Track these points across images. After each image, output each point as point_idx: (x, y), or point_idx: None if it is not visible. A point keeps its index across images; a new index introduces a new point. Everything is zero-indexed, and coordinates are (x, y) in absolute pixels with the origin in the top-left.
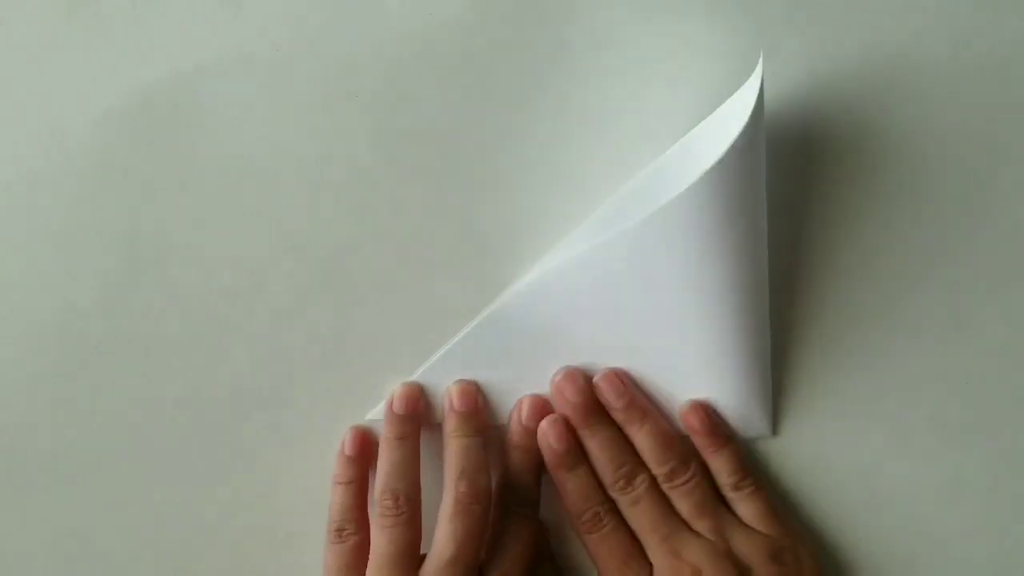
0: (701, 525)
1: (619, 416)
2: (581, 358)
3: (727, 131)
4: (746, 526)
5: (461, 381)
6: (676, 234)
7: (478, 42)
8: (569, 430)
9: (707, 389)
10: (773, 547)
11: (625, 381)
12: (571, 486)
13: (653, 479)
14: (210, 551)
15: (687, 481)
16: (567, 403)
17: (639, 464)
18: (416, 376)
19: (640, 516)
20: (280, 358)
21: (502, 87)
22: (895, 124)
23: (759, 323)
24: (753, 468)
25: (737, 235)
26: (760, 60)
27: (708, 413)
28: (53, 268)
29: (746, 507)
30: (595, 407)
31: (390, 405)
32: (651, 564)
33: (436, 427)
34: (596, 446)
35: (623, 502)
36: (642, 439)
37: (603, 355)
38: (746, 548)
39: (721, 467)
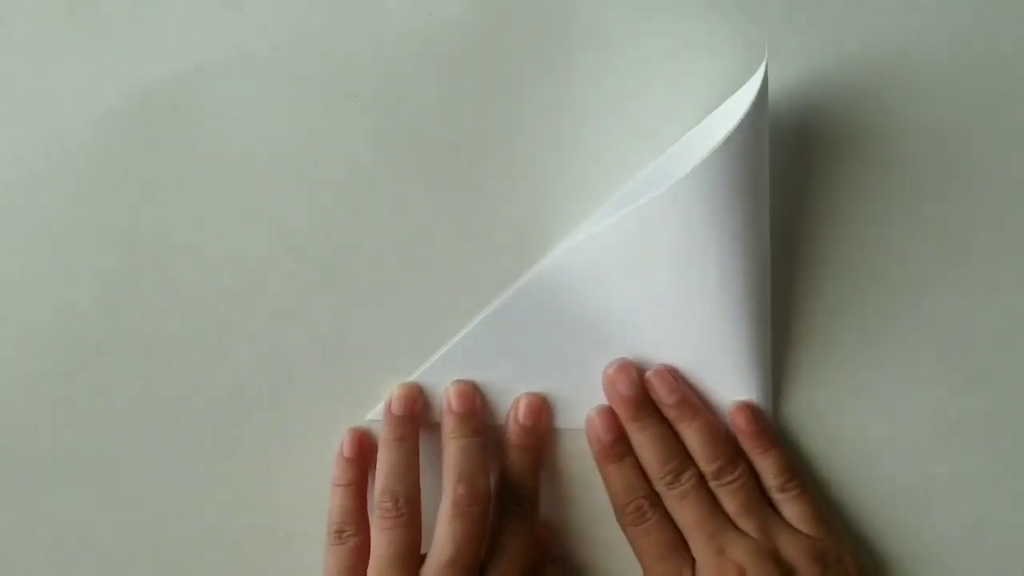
0: (747, 524)
1: (670, 412)
2: (581, 357)
3: (731, 127)
4: (791, 527)
5: (459, 382)
6: (676, 220)
7: (478, 42)
8: (616, 421)
9: (707, 385)
10: (817, 549)
11: (676, 377)
12: (616, 477)
13: (700, 476)
14: (210, 551)
15: (735, 480)
16: (618, 396)
17: (687, 460)
18: (415, 376)
19: (686, 511)
20: (280, 358)
21: (502, 87)
22: (895, 124)
23: (761, 315)
24: (799, 471)
25: (739, 222)
26: (765, 56)
27: (756, 414)
28: (53, 268)
29: (791, 509)
30: (646, 401)
31: (389, 406)
32: (694, 559)
33: (435, 427)
34: (646, 440)
35: (670, 496)
36: (692, 436)
37: (603, 352)
38: (791, 549)
39: (768, 468)
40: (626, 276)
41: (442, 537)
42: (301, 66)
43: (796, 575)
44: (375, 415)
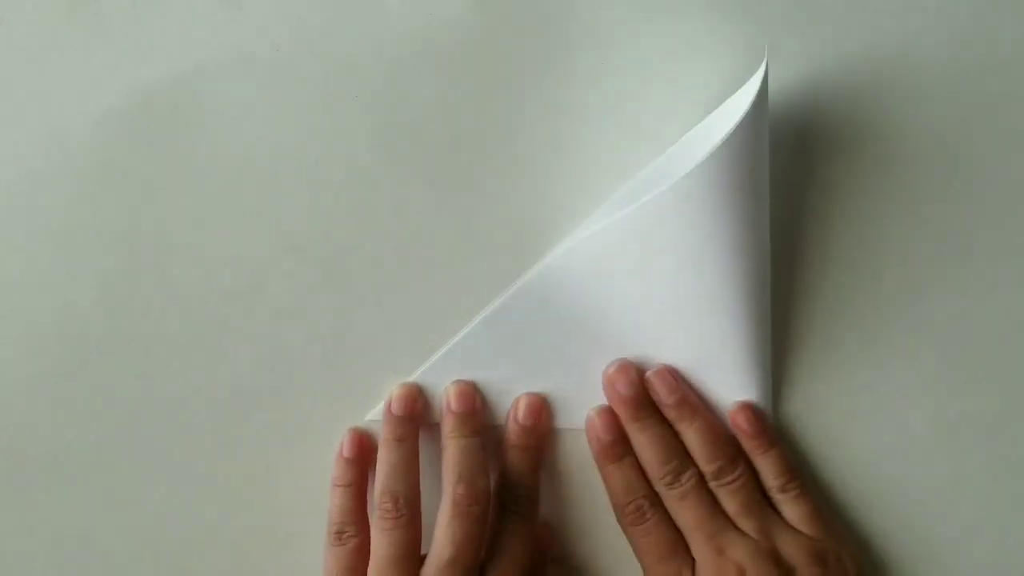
0: (746, 524)
1: (670, 412)
2: (580, 357)
3: (731, 127)
4: (791, 528)
5: (459, 382)
6: (676, 219)
7: (478, 42)
8: (616, 421)
9: (707, 386)
10: (816, 549)
11: (676, 377)
12: (616, 477)
13: (700, 476)
14: (210, 551)
15: (734, 480)
16: (618, 396)
17: (687, 460)
18: (415, 377)
19: (686, 512)
20: (280, 358)
21: (502, 87)
22: (895, 124)
23: (761, 315)
24: (800, 471)
25: (739, 222)
26: (765, 56)
27: (756, 414)
28: (53, 268)
29: (791, 509)
30: (646, 401)
31: (389, 406)
32: (693, 559)
33: (435, 427)
34: (646, 440)
35: (669, 497)
36: (692, 436)
37: (603, 352)
38: (790, 549)
39: (768, 468)
40: (626, 276)
41: (442, 537)
42: (301, 66)
43: (796, 574)
44: (375, 415)
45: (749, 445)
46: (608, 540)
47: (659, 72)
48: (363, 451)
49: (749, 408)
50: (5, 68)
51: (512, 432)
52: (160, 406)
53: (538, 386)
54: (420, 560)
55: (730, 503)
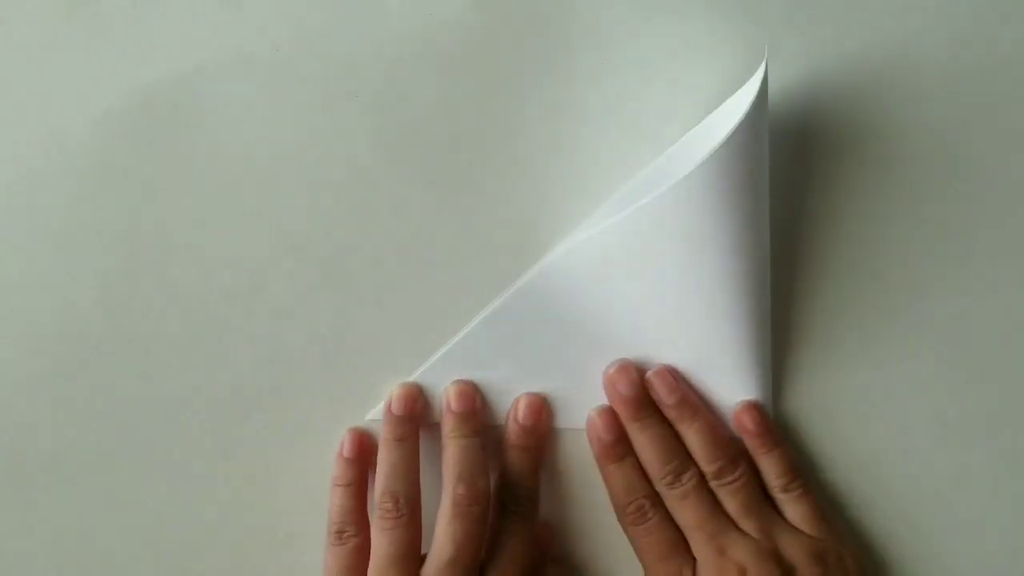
0: (747, 524)
1: (670, 412)
2: (581, 357)
3: (731, 127)
4: (792, 527)
5: (459, 381)
6: (676, 220)
7: (478, 42)
8: (617, 421)
9: (708, 386)
10: (818, 549)
11: (677, 378)
12: (617, 477)
13: (701, 476)
14: (210, 551)
15: (735, 480)
16: (619, 396)
17: (688, 460)
18: (415, 376)
19: (687, 511)
20: (280, 358)
21: (502, 87)
22: (895, 124)
23: (761, 315)
24: (802, 471)
25: (739, 222)
26: (765, 55)
27: (761, 414)
28: (53, 268)
29: (794, 509)
30: (646, 401)
31: (389, 406)
32: (694, 559)
33: (436, 427)
34: (646, 440)
35: (670, 496)
36: (692, 436)
37: (603, 353)
38: (791, 549)
39: (771, 468)
40: (626, 276)
41: (442, 537)
42: (301, 66)
43: (796, 574)
44: (375, 415)
45: (753, 444)
46: (608, 540)
47: (659, 72)
48: (363, 451)
49: (754, 407)
50: (5, 68)
51: (512, 432)
52: (160, 406)
53: (538, 386)
54: (420, 560)
55: (731, 503)
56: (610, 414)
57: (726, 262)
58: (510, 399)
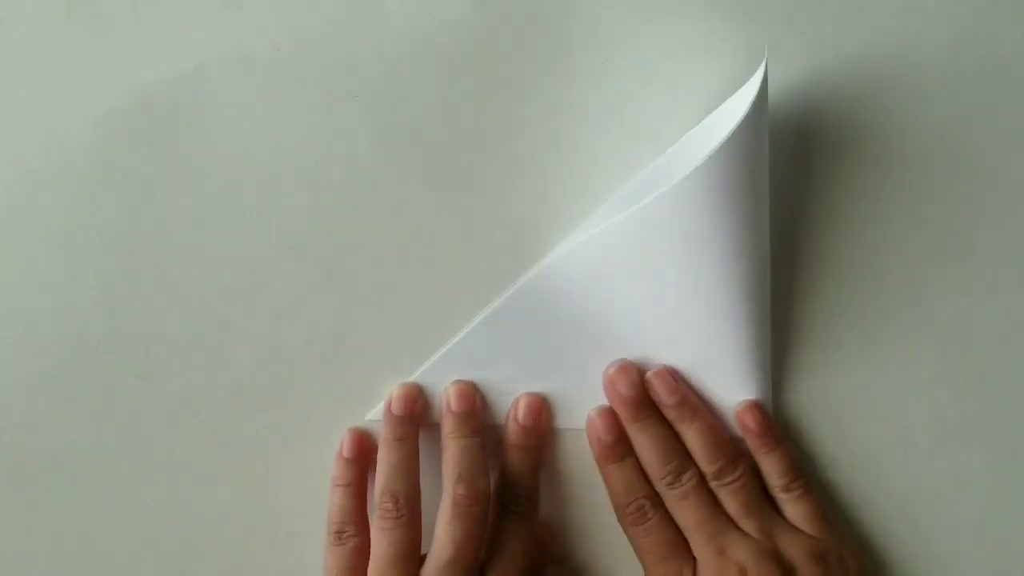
0: (748, 524)
1: (670, 413)
2: (581, 357)
3: (731, 127)
4: (792, 527)
5: (459, 382)
6: (676, 221)
7: (478, 42)
8: (617, 421)
9: (707, 386)
10: (818, 549)
11: (676, 378)
12: (617, 477)
13: (701, 476)
14: (210, 551)
15: (735, 480)
16: (618, 396)
17: (688, 460)
18: (415, 376)
19: (687, 512)
20: (280, 358)
21: (502, 87)
22: (895, 124)
23: (761, 315)
24: (803, 471)
25: (739, 223)
26: (765, 55)
27: (763, 414)
28: (53, 268)
29: (795, 509)
30: (646, 402)
31: (389, 406)
32: (694, 559)
33: (436, 427)
34: (646, 440)
35: (670, 497)
36: (692, 436)
37: (603, 353)
38: (791, 549)
39: (772, 468)
40: (626, 276)
41: (442, 537)
42: (301, 66)
43: (797, 574)
44: (375, 415)
45: (755, 443)
46: (608, 540)
47: (659, 72)
48: (363, 451)
49: (757, 407)
50: (5, 68)
51: (512, 432)
52: (160, 406)
53: (538, 386)
54: (420, 560)
55: (731, 503)
56: (610, 414)
57: (726, 262)
58: (510, 399)
